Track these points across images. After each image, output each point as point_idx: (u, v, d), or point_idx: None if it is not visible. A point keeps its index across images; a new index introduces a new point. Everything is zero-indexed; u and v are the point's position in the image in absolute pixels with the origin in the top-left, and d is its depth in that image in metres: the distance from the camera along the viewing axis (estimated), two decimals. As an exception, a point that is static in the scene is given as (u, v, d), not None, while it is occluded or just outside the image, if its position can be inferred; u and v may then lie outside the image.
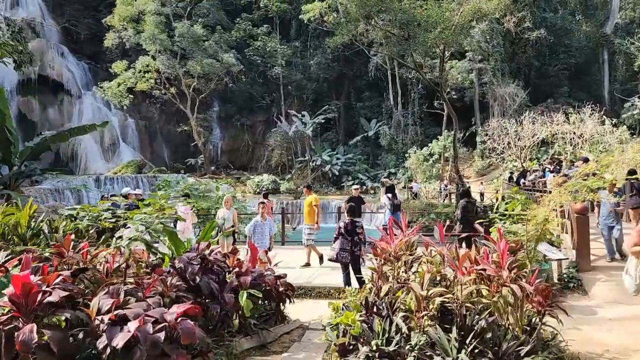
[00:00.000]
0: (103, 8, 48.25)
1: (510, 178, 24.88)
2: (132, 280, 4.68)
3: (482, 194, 30.35)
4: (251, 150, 52.42)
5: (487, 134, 32.66)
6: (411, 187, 31.29)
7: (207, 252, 5.70)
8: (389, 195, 11.52)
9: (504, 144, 31.80)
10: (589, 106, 29.59)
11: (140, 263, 4.86)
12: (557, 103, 36.34)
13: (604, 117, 29.13)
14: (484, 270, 4.10)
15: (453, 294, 4.03)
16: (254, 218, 10.34)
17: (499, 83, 37.38)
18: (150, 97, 46.67)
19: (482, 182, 35.35)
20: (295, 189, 38.77)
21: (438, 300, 3.95)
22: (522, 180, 19.44)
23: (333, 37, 25.58)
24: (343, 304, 5.74)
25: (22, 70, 29.05)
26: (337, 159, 42.66)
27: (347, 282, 7.78)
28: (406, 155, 38.77)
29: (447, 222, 8.07)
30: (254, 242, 8.39)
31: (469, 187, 29.72)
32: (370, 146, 44.62)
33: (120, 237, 4.40)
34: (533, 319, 4.57)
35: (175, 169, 45.68)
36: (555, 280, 7.78)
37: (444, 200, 29.25)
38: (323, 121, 44.41)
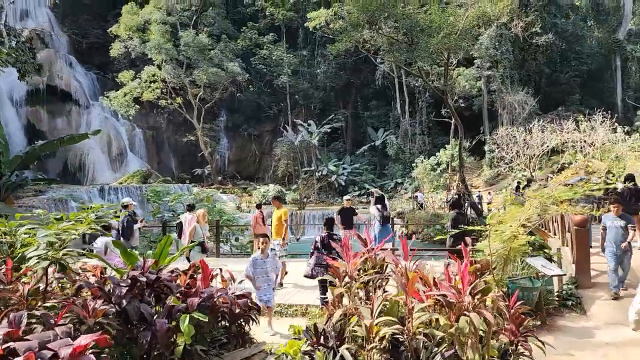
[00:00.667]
0: (111, 18, 48.69)
1: (517, 188, 24.06)
2: (53, 303, 4.16)
3: (489, 204, 29.50)
4: (258, 160, 52.15)
5: (495, 143, 31.84)
6: (416, 197, 30.54)
7: (156, 270, 5.17)
8: (379, 206, 10.87)
9: (512, 152, 30.96)
10: (601, 113, 28.66)
11: (64, 283, 4.34)
12: (569, 111, 35.38)
13: (616, 124, 28.17)
14: (444, 295, 3.49)
15: (404, 324, 3.44)
16: (252, 256, 9.36)
17: (508, 91, 36.57)
18: (158, 107, 46.71)
19: (489, 192, 34.45)
20: (301, 199, 38.24)
21: (385, 330, 3.35)
22: (526, 190, 18.59)
23: (335, 44, 25.13)
24: (306, 328, 5.16)
25: (26, 80, 29.21)
26: (344, 168, 42.10)
27: (325, 300, 7.21)
28: (413, 165, 38.06)
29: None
30: (258, 285, 7.09)
31: (460, 196, 28.95)
32: (377, 156, 44.00)
33: (31, 257, 3.90)
34: (509, 349, 3.94)
35: (180, 179, 45.52)
36: (556, 297, 7.14)
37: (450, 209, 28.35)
38: (329, 130, 43.96)
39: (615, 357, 5.36)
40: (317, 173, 41.55)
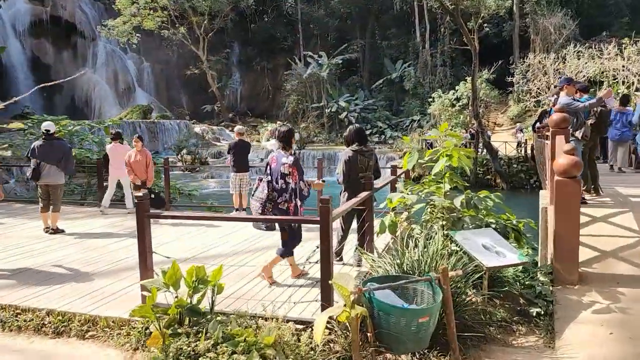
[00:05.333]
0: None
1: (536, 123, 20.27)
2: None
3: (519, 144, 26.03)
4: (272, 96, 49.46)
5: (520, 72, 27.73)
6: (426, 140, 27.39)
7: None
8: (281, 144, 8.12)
9: (540, 84, 26.89)
10: (651, 37, 23.97)
11: None
12: (614, 36, 30.28)
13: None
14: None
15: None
16: None
17: (543, 12, 31.59)
18: (166, 39, 44.08)
19: (521, 130, 30.42)
20: (306, 137, 35.71)
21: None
22: (537, 125, 15.04)
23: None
24: None
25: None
26: (356, 105, 38.78)
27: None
28: (430, 100, 34.39)
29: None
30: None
31: (473, 135, 25.42)
32: (394, 91, 40.25)
33: None
34: None
35: (179, 114, 43.80)
36: (518, 295, 4.17)
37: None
38: (341, 62, 40.25)
39: None
40: (326, 110, 38.51)
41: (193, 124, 39.19)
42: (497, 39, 35.53)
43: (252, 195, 4.93)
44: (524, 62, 28.38)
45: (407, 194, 4.19)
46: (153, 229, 4.07)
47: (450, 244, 3.64)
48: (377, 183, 5.29)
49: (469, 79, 32.85)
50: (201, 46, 42.41)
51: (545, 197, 6.27)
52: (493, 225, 4.24)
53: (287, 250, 4.85)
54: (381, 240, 5.69)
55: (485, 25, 33.33)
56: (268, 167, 4.90)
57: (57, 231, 7.52)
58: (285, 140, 4.97)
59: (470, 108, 31.78)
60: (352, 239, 5.54)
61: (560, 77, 24.18)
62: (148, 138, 33.52)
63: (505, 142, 25.85)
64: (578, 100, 6.23)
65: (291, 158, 4.82)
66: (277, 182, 4.72)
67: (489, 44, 34.69)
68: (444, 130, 4.11)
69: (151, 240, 4.07)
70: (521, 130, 27.74)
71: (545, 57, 26.62)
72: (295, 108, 42.27)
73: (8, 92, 40.82)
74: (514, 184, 23.04)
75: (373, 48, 43.61)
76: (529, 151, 24.63)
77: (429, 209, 4.28)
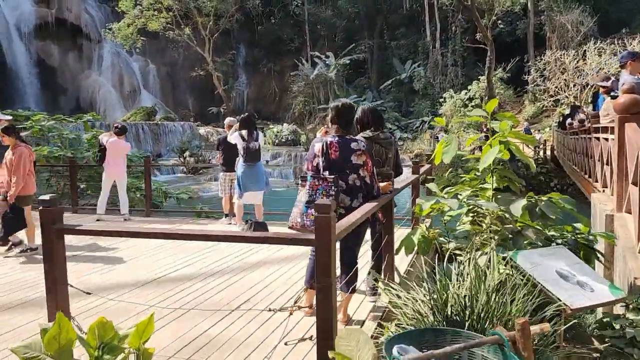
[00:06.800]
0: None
1: (562, 122, 18.99)
2: None
3: (537, 146, 24.72)
4: (278, 98, 48.65)
5: (537, 70, 26.46)
6: (437, 138, 26.28)
7: None
8: (243, 132, 6.70)
9: (559, 82, 25.63)
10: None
11: None
12: (635, 33, 28.93)
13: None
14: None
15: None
16: None
17: (559, 9, 30.30)
18: (172, 41, 43.38)
19: (538, 130, 29.20)
20: (313, 138, 34.66)
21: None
22: (568, 121, 13.78)
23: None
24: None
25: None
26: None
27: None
28: (441, 100, 33.19)
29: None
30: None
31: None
32: (403, 91, 39.08)
33: None
34: None
35: (184, 116, 43.09)
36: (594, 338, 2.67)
37: (474, 152, 23.96)
38: (349, 62, 39.22)
39: None
40: (333, 111, 37.43)
41: (198, 125, 38.40)
42: (510, 37, 34.27)
43: (308, 201, 3.38)
44: (541, 59, 27.10)
45: (443, 197, 3.06)
46: (121, 241, 2.97)
47: (511, 270, 2.49)
48: (399, 182, 4.13)
49: (482, 78, 31.74)
50: (207, 47, 41.69)
51: (604, 202, 5.09)
52: (559, 241, 3.10)
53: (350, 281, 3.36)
54: (399, 258, 4.24)
55: (499, 22, 32.11)
56: (323, 159, 3.43)
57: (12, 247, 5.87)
58: (345, 119, 3.58)
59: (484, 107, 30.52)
60: (366, 253, 4.36)
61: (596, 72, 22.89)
62: (151, 140, 32.68)
63: (522, 142, 24.52)
64: None
65: (362, 142, 3.50)
66: (347, 179, 3.42)
67: (503, 43, 33.45)
68: (493, 106, 2.95)
69: (65, 266, 2.77)
70: (528, 130, 26.48)
71: (564, 54, 25.35)
72: (302, 110, 41.33)
73: (12, 94, 40.38)
74: (532, 187, 21.76)
75: (381, 48, 42.55)
76: (548, 152, 23.38)
77: (468, 218, 3.15)
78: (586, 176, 7.33)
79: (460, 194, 3.10)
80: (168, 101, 48.07)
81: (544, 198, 3.00)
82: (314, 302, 3.64)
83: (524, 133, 20.30)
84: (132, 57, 48.09)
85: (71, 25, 44.75)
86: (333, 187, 3.31)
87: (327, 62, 38.67)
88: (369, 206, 3.06)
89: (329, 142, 3.46)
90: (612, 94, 5.76)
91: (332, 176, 3.35)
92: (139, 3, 37.43)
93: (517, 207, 2.76)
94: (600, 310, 3.41)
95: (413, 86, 37.60)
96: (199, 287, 4.44)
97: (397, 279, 3.14)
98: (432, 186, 3.31)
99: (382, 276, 3.49)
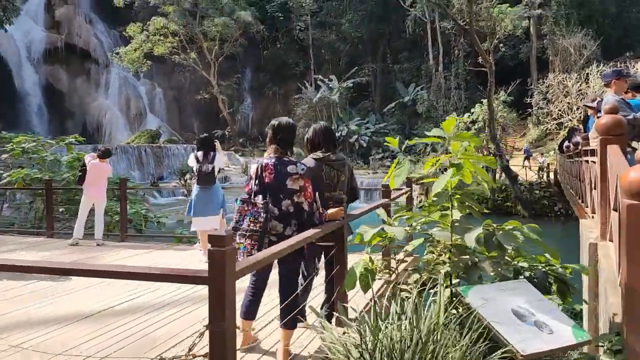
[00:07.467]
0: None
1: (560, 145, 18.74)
2: None
3: (541, 169, 24.38)
4: (283, 121, 48.93)
5: (541, 93, 26.31)
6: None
7: None
8: (199, 154, 6.41)
9: (562, 105, 25.43)
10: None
11: None
12: (638, 56, 28.83)
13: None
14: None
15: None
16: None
17: (562, 33, 30.31)
18: (179, 65, 44.03)
19: (542, 154, 28.80)
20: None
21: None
22: (565, 144, 13.55)
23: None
24: None
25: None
26: (367, 128, 37.71)
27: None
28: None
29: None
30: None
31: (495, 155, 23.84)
32: (406, 114, 39.07)
33: None
34: None
35: (188, 139, 43.27)
36: None
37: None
38: (352, 86, 39.44)
39: None
40: (337, 133, 37.50)
41: (201, 148, 38.51)
42: (513, 60, 34.32)
43: (234, 227, 3.17)
44: (543, 82, 27.00)
45: (392, 224, 2.81)
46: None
47: (462, 308, 2.20)
48: (359, 207, 3.84)
49: (485, 101, 31.60)
50: (212, 71, 42.21)
51: (590, 229, 4.73)
52: (527, 273, 2.80)
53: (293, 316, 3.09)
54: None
55: (501, 45, 32.16)
56: (257, 182, 3.26)
57: None
58: (283, 139, 3.34)
59: (487, 130, 30.41)
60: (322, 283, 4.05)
61: (583, 97, 22.77)
62: (154, 162, 32.77)
63: (524, 166, 24.25)
64: (629, 105, 4.72)
65: (301, 165, 3.30)
66: (281, 205, 3.23)
67: (505, 66, 33.47)
68: (451, 127, 2.73)
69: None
70: (528, 152, 26.14)
71: (566, 78, 25.23)
72: (305, 133, 41.46)
73: (20, 118, 40.93)
74: (536, 211, 21.34)
75: (385, 72, 42.82)
76: (552, 176, 23.01)
77: (429, 249, 2.89)
78: (579, 201, 7.01)
79: (417, 222, 2.85)
80: (174, 124, 48.47)
81: (508, 226, 2.72)
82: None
83: (524, 155, 19.95)
84: (139, 81, 48.75)
85: (80, 50, 45.63)
86: (262, 214, 3.11)
87: (330, 86, 38.93)
88: (305, 234, 2.81)
89: (264, 164, 3.27)
90: (598, 115, 5.51)
91: (263, 201, 3.15)
92: (145, 28, 38.06)
93: (471, 236, 2.49)
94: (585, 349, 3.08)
95: (416, 109, 37.58)
96: (137, 323, 3.98)
97: (353, 314, 2.82)
98: (381, 213, 3.06)
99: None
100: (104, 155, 7.81)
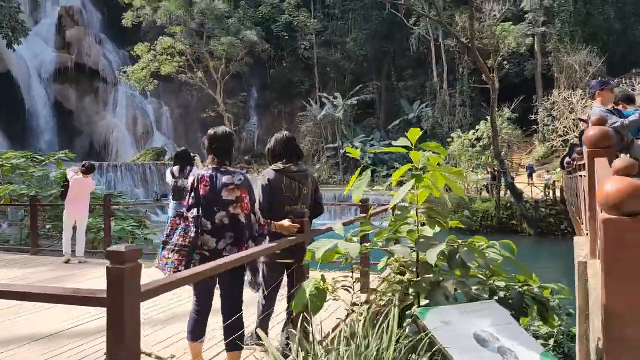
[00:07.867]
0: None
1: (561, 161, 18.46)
2: None
3: (547, 187, 24.02)
4: (288, 138, 49.13)
5: (545, 109, 26.09)
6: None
7: None
8: (175, 169, 6.32)
9: (568, 122, 25.17)
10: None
11: None
12: (645, 73, 28.63)
13: None
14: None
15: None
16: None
17: (567, 50, 30.22)
18: (186, 84, 44.53)
19: (548, 171, 28.46)
20: (318, 178, 34.48)
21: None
22: (566, 160, 13.34)
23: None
24: None
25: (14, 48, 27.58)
26: (372, 145, 37.60)
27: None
28: (449, 140, 32.87)
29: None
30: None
31: (495, 175, 23.47)
32: (411, 132, 38.99)
33: None
34: None
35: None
36: None
37: (481, 193, 23.42)
38: (357, 103, 39.55)
39: None
40: (341, 150, 37.47)
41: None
42: (518, 78, 34.24)
43: (164, 242, 3.06)
44: (548, 99, 26.81)
45: (349, 239, 2.62)
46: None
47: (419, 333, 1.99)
48: (325, 224, 3.64)
49: (489, 118, 31.46)
50: (218, 90, 42.59)
51: (582, 246, 4.45)
52: (502, 293, 2.57)
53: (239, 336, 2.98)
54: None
55: (505, 63, 32.11)
56: (192, 195, 3.11)
57: None
58: (219, 149, 3.20)
59: (491, 148, 30.15)
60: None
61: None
62: (158, 180, 32.84)
63: (530, 183, 23.91)
64: (620, 113, 4.56)
65: (239, 175, 3.16)
66: (215, 218, 3.06)
67: (510, 83, 33.38)
68: (416, 136, 2.53)
69: None
70: (531, 169, 25.76)
71: (571, 94, 25.03)
72: (310, 149, 41.47)
73: (30, 136, 41.45)
74: (542, 229, 20.92)
75: (389, 89, 42.94)
76: (558, 193, 22.66)
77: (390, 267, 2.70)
78: (577, 217, 6.77)
79: (381, 239, 2.67)
80: (181, 142, 48.67)
81: (476, 242, 2.54)
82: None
83: (527, 172, 19.52)
84: (146, 100, 49.30)
85: (89, 69, 46.34)
86: (192, 228, 2.99)
87: (334, 103, 39.05)
88: (243, 253, 2.65)
89: (200, 177, 3.12)
90: (590, 128, 5.35)
91: (194, 215, 3.03)
92: (153, 48, 38.61)
93: (433, 254, 2.30)
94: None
95: (421, 126, 37.44)
96: (90, 346, 3.78)
97: (318, 337, 2.60)
98: (337, 228, 2.88)
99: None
100: (88, 170, 7.71)
